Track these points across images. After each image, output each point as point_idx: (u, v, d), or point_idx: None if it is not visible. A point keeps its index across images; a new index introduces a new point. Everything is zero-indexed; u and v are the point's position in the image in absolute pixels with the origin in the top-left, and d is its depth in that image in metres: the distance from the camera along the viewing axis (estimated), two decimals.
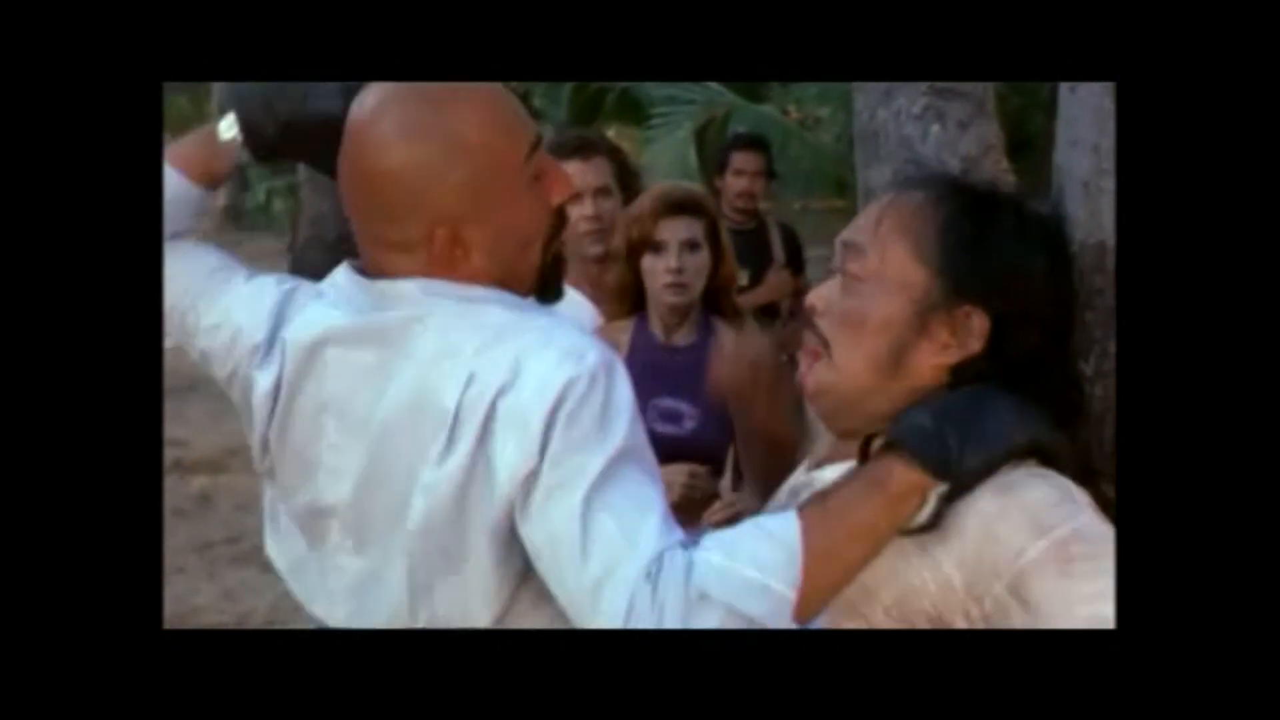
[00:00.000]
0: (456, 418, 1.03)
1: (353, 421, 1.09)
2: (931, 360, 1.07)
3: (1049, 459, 1.03)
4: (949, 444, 0.98)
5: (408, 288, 1.09)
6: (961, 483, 0.99)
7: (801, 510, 1.00)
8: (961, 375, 1.07)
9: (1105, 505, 1.10)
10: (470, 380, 1.03)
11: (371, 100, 1.10)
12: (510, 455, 1.00)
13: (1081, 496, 1.01)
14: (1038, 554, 0.96)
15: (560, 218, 1.16)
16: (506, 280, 1.12)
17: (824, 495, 1.02)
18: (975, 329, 1.06)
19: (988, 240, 1.07)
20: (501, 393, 1.02)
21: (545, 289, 1.17)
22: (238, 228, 14.73)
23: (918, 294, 1.06)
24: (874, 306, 1.07)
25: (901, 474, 0.99)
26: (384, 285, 1.10)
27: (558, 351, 1.02)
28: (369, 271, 1.12)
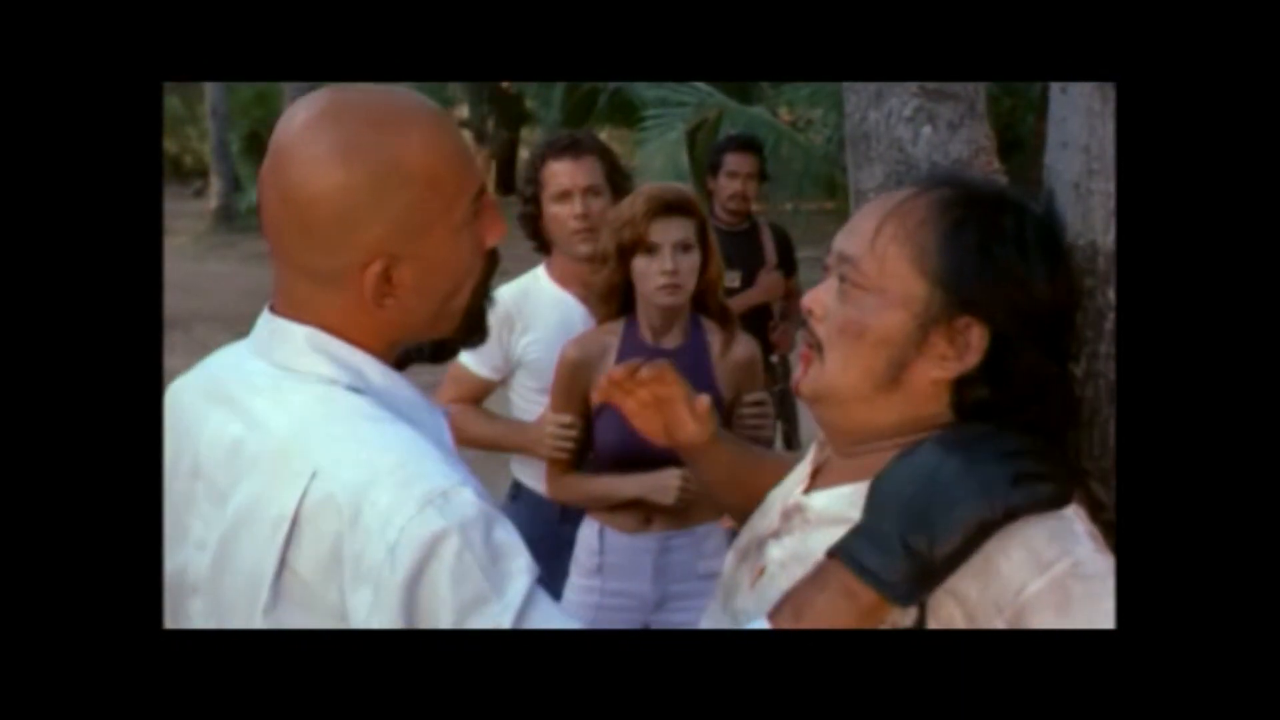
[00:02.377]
0: (295, 524, 0.94)
1: (217, 495, 1.02)
2: (930, 374, 1.05)
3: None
4: (917, 553, 0.94)
5: (297, 333, 1.02)
6: (943, 577, 0.96)
7: (775, 619, 0.99)
8: (960, 391, 1.06)
9: (1095, 506, 1.11)
10: (314, 478, 0.94)
11: (304, 115, 1.00)
12: (364, 614, 0.92)
13: (1079, 523, 1.00)
14: (1037, 591, 0.96)
15: (492, 260, 1.10)
16: (432, 323, 1.07)
17: (796, 603, 0.99)
18: (974, 342, 1.04)
19: (990, 251, 1.04)
20: (344, 522, 0.93)
21: (470, 332, 1.11)
22: (230, 229, 14.70)
23: (918, 307, 1.04)
24: (874, 319, 1.06)
25: (870, 591, 0.96)
26: (281, 324, 1.04)
27: (419, 496, 0.92)
28: (280, 307, 1.05)
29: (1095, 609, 0.94)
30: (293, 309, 1.04)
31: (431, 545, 0.91)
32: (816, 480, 1.18)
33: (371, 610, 0.92)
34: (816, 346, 1.10)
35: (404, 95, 1.04)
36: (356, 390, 1.01)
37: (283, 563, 0.95)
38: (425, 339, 1.10)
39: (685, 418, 1.38)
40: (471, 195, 1.04)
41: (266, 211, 1.02)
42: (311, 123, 0.99)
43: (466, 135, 14.98)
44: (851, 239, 1.09)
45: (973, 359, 1.05)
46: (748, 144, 4.24)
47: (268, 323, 1.06)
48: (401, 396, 1.04)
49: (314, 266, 1.01)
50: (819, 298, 1.11)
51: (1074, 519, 1.00)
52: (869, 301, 1.06)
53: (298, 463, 0.96)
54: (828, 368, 1.09)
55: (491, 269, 1.10)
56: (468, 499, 0.94)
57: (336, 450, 0.96)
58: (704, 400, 1.39)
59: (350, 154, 0.97)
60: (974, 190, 1.11)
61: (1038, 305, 1.05)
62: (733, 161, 4.05)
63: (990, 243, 1.05)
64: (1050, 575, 0.96)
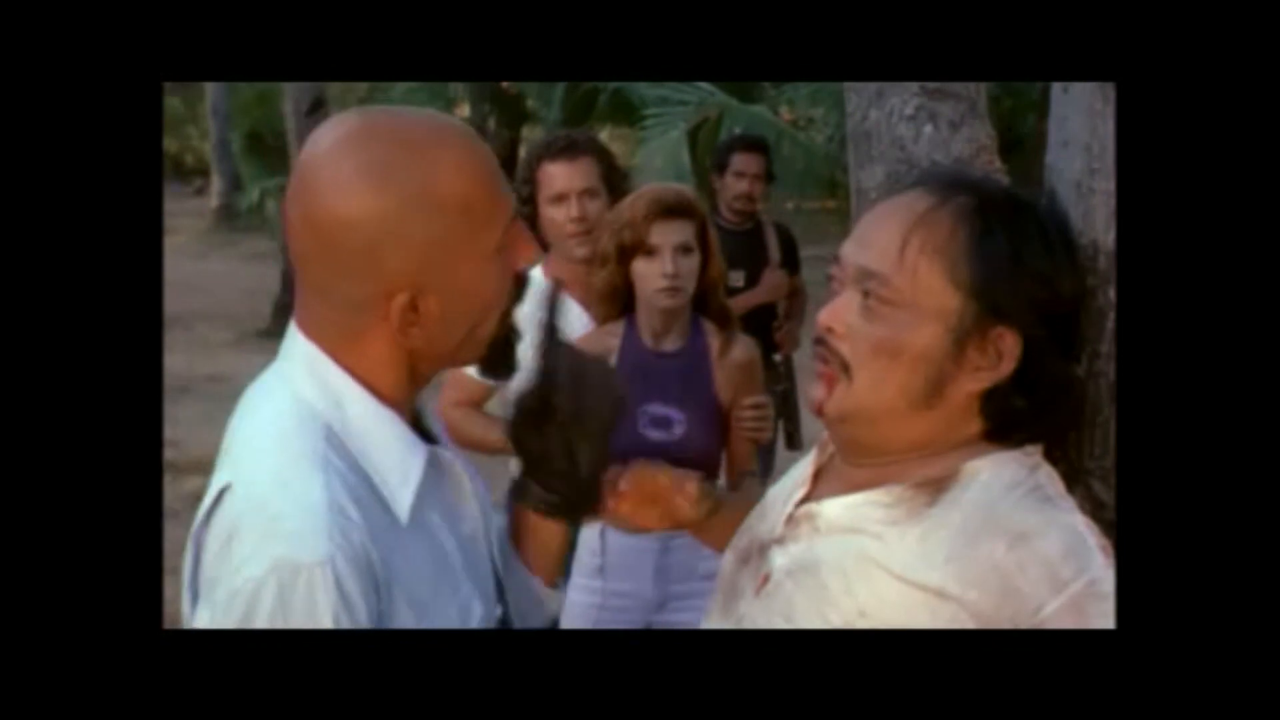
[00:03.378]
0: (206, 527, 0.96)
1: None
2: (966, 387, 1.05)
3: None
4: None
5: (299, 348, 1.02)
6: None
7: None
8: (992, 401, 1.05)
9: (1096, 506, 1.11)
10: (226, 490, 0.96)
11: (333, 135, 0.97)
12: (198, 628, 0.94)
13: (1091, 537, 1.00)
14: (1055, 609, 0.95)
15: (519, 284, 1.06)
16: (456, 352, 1.04)
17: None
18: (1008, 350, 1.04)
19: (1020, 256, 1.04)
20: (221, 541, 0.94)
21: (495, 363, 1.07)
22: (231, 228, 14.70)
23: (953, 320, 1.03)
24: (909, 336, 1.04)
25: None
26: (293, 332, 1.03)
27: (271, 558, 0.90)
28: (298, 317, 1.03)
29: (1108, 626, 0.94)
30: (307, 324, 1.03)
31: (251, 609, 0.90)
32: (820, 484, 1.16)
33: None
34: (842, 366, 1.07)
35: (436, 118, 1.01)
36: (323, 419, 0.99)
37: (198, 561, 0.97)
38: (447, 368, 1.07)
39: (680, 504, 1.38)
40: (504, 223, 1.00)
41: (290, 233, 0.99)
42: (340, 144, 0.96)
43: None
44: (872, 253, 1.06)
45: (1007, 367, 1.04)
46: (755, 144, 4.22)
47: (290, 333, 1.05)
48: (375, 438, 1.01)
49: (337, 292, 0.98)
50: (839, 315, 1.07)
51: (1086, 533, 0.99)
52: (901, 318, 1.04)
53: (224, 471, 0.98)
54: (857, 388, 1.06)
55: (519, 295, 1.06)
56: (314, 583, 0.90)
57: (251, 474, 0.96)
58: (692, 486, 1.39)
59: (379, 179, 0.94)
60: (989, 194, 1.09)
61: (1063, 305, 1.05)
62: (740, 161, 4.03)
63: (1020, 248, 1.04)
64: (1067, 595, 0.95)
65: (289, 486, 0.94)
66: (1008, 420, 1.06)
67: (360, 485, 0.98)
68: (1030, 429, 1.07)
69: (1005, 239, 1.04)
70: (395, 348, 1.00)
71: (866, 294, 1.06)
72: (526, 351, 1.10)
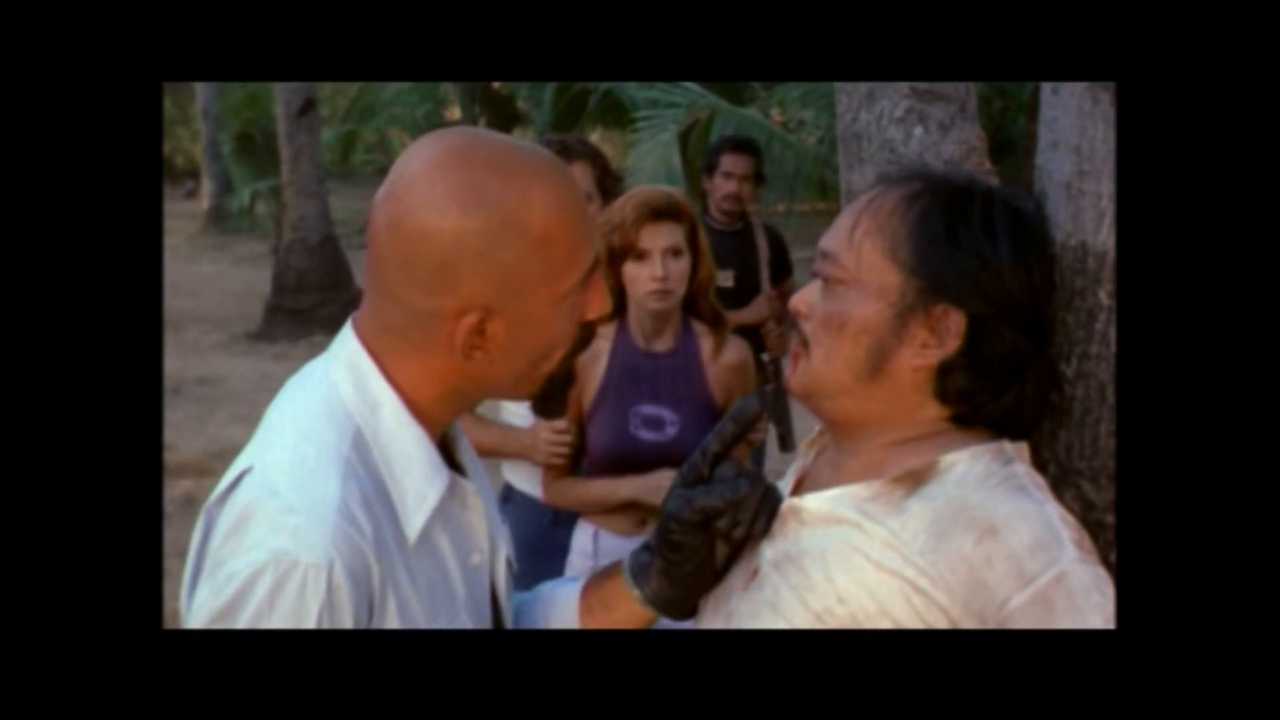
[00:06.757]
0: (217, 505, 0.98)
1: None
2: (912, 362, 1.07)
3: None
4: None
5: (348, 346, 1.03)
6: None
7: None
8: (944, 378, 1.07)
9: (1086, 507, 1.11)
10: (245, 473, 0.98)
11: (432, 149, 1.00)
12: (198, 610, 0.95)
13: (1066, 530, 1.00)
14: (1021, 603, 0.96)
15: (586, 333, 1.08)
16: (515, 383, 1.06)
17: None
18: (952, 328, 1.06)
19: (957, 237, 1.07)
20: (231, 522, 0.95)
21: (548, 401, 1.10)
22: (221, 230, 14.68)
23: (894, 296, 1.07)
24: (853, 310, 1.08)
25: None
26: (346, 330, 1.05)
27: (273, 549, 0.92)
28: (359, 316, 1.05)
29: (1079, 621, 0.94)
30: (364, 326, 1.04)
31: (243, 595, 0.92)
32: (805, 484, 1.18)
33: (198, 611, 0.94)
34: (804, 343, 1.13)
35: (537, 153, 1.03)
36: (355, 421, 1.01)
37: (206, 538, 0.98)
38: (502, 398, 1.08)
39: None
40: (583, 271, 1.03)
41: (374, 236, 1.01)
42: (438, 158, 0.98)
43: None
44: (831, 236, 1.13)
45: (953, 345, 1.06)
46: (744, 145, 4.25)
47: (345, 326, 1.06)
48: (401, 452, 1.02)
49: (407, 302, 0.99)
50: (805, 297, 1.14)
51: (1059, 524, 1.00)
52: (849, 295, 1.09)
53: (248, 454, 1.00)
54: (813, 362, 1.11)
55: (585, 342, 1.09)
56: (308, 583, 0.92)
57: (273, 461, 0.98)
58: None
59: (470, 197, 0.96)
60: (942, 181, 1.13)
61: (1009, 287, 1.07)
62: (728, 162, 4.07)
63: (958, 229, 1.07)
64: (1033, 589, 0.96)
65: (306, 481, 0.96)
66: (962, 401, 1.08)
67: (376, 495, 0.99)
68: (989, 412, 1.08)
69: (943, 219, 1.07)
70: (445, 367, 1.02)
71: (826, 275, 1.12)
72: (728, 469, 1.14)
